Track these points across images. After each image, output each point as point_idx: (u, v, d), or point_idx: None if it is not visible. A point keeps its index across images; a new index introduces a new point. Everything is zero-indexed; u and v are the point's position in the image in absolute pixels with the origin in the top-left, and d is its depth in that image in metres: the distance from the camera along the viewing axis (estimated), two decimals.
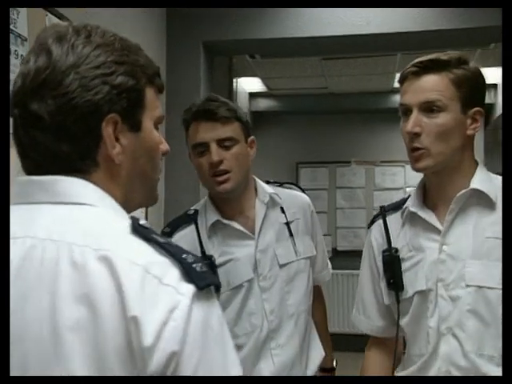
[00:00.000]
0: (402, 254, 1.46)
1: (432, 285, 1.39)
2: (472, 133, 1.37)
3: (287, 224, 1.77)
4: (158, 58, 3.11)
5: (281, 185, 1.90)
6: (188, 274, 0.73)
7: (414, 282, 1.42)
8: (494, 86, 5.33)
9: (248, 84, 5.58)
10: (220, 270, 1.68)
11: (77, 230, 0.78)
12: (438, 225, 1.40)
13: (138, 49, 0.89)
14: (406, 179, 5.93)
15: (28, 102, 0.81)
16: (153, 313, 0.71)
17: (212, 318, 0.75)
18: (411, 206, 1.45)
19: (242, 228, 1.72)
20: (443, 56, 1.36)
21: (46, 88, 0.80)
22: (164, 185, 3.18)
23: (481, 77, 1.39)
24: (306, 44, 3.28)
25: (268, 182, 1.86)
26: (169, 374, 0.71)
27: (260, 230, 1.73)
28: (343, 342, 4.45)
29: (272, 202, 1.78)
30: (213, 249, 1.71)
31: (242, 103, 5.59)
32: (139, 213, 2.76)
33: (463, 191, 1.36)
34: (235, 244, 1.72)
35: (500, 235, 1.29)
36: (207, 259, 1.66)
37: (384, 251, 1.50)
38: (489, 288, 1.31)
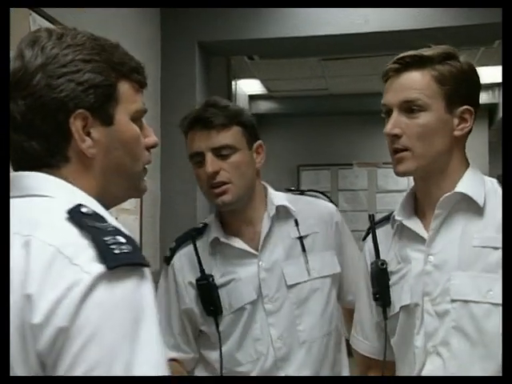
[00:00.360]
0: (390, 267, 1.34)
1: (418, 299, 1.27)
2: (460, 133, 1.26)
3: (300, 239, 1.58)
4: (152, 58, 3.05)
5: (302, 193, 1.74)
6: (102, 255, 0.75)
7: (400, 296, 1.31)
8: (499, 84, 5.25)
9: (248, 86, 5.51)
10: (222, 292, 1.55)
11: (19, 219, 0.81)
12: (423, 233, 1.29)
13: (113, 47, 0.93)
14: (409, 181, 5.80)
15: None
16: (51, 291, 0.73)
17: (121, 299, 0.75)
18: (397, 214, 1.34)
19: (243, 245, 1.57)
20: (426, 51, 1.26)
21: (17, 89, 0.86)
22: (160, 188, 3.11)
23: (471, 73, 1.28)
24: (304, 44, 3.22)
25: (289, 190, 1.72)
26: (56, 350, 0.72)
27: (265, 246, 1.57)
28: None
29: (283, 214, 1.60)
30: (215, 268, 1.58)
31: (242, 106, 5.53)
32: (132, 220, 2.68)
33: (446, 195, 1.25)
34: (238, 263, 1.57)
35: (487, 243, 1.21)
36: (205, 279, 1.55)
37: (371, 263, 1.40)
38: (474, 302, 1.20)
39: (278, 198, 1.62)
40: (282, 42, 3.17)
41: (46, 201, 0.85)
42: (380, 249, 1.39)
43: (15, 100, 0.85)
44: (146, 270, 0.79)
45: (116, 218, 2.57)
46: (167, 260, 1.66)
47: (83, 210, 0.82)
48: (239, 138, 1.55)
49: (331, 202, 1.73)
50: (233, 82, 4.65)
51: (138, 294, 0.76)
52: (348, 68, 4.84)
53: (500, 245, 1.18)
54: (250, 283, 1.55)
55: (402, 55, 1.27)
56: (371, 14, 2.95)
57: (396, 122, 1.24)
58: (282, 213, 1.59)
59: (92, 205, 0.85)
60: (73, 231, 0.78)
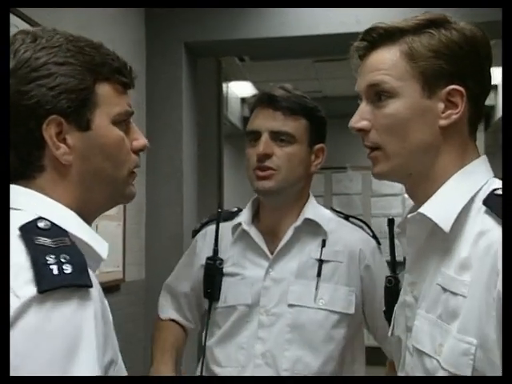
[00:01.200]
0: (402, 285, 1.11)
1: (401, 333, 1.03)
2: (446, 123, 0.95)
3: (320, 262, 1.44)
4: (136, 59, 2.94)
5: (346, 218, 1.56)
6: (38, 277, 0.70)
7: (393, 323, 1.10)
8: (495, 86, 5.17)
9: (239, 88, 5.41)
10: (225, 280, 1.49)
11: None
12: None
13: (94, 48, 0.88)
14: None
15: None
16: None
17: (54, 326, 0.69)
18: (398, 223, 1.07)
19: (261, 243, 1.48)
20: (400, 22, 0.99)
21: None
22: (145, 194, 3.00)
23: (466, 42, 0.96)
24: (295, 44, 3.13)
25: (333, 210, 1.58)
26: None
27: (280, 255, 1.46)
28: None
29: (311, 229, 1.47)
30: (230, 254, 1.51)
31: (234, 108, 5.43)
32: (115, 227, 2.58)
33: (410, 215, 0.98)
34: (250, 259, 1.49)
35: (448, 285, 0.90)
36: (214, 260, 1.49)
37: (387, 276, 1.21)
38: (427, 356, 0.92)
39: (313, 210, 1.49)
40: (272, 42, 3.07)
41: (11, 214, 0.79)
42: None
43: None
44: (90, 291, 0.73)
45: (96, 225, 2.43)
46: (194, 233, 1.64)
47: (40, 224, 0.77)
48: (302, 130, 1.46)
49: (374, 237, 1.54)
50: (224, 85, 4.55)
51: (76, 319, 0.71)
52: (342, 70, 4.75)
53: (458, 291, 0.88)
54: (251, 286, 1.46)
55: (367, 29, 1.02)
56: (362, 13, 2.86)
57: (362, 113, 1.00)
58: (312, 227, 1.47)
59: (59, 216, 0.81)
60: (19, 250, 0.73)
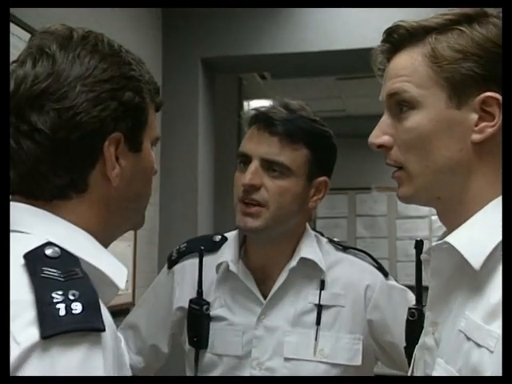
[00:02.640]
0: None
1: None
2: (480, 137, 0.80)
3: (319, 307, 1.27)
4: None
5: (345, 249, 1.37)
6: (41, 318, 0.61)
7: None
8: None
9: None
10: (212, 325, 1.31)
11: None
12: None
13: (142, 62, 0.84)
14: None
15: (26, 110, 0.74)
16: None
17: (62, 373, 0.59)
18: (426, 249, 0.93)
19: (252, 286, 1.30)
20: (425, 20, 0.85)
21: (47, 98, 0.74)
22: (158, 214, 2.91)
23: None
24: (315, 59, 3.03)
25: (331, 241, 1.38)
26: None
27: (274, 300, 1.29)
28: None
29: (309, 270, 1.29)
30: (217, 294, 1.33)
31: None
32: (124, 247, 2.48)
33: (436, 243, 0.84)
34: (240, 302, 1.31)
35: (472, 334, 0.74)
36: (199, 304, 1.30)
37: (410, 308, 1.07)
38: None
39: (309, 248, 1.30)
40: (292, 57, 2.99)
41: (15, 239, 0.71)
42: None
43: (44, 110, 0.73)
44: (102, 335, 0.63)
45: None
46: (170, 263, 1.42)
47: (48, 251, 0.68)
48: (301, 162, 1.26)
49: (381, 269, 1.34)
50: (245, 103, 4.48)
51: (85, 369, 0.61)
52: (365, 88, 4.64)
53: (483, 343, 0.72)
54: (241, 334, 1.28)
55: (389, 29, 0.89)
56: (385, 25, 2.75)
57: (383, 127, 0.87)
58: (309, 267, 1.29)
59: (72, 241, 0.72)
60: (22, 283, 0.64)
